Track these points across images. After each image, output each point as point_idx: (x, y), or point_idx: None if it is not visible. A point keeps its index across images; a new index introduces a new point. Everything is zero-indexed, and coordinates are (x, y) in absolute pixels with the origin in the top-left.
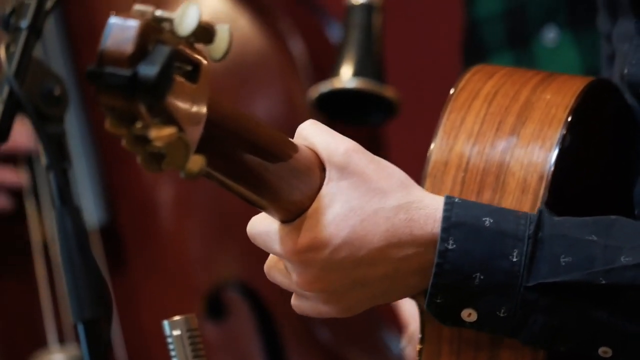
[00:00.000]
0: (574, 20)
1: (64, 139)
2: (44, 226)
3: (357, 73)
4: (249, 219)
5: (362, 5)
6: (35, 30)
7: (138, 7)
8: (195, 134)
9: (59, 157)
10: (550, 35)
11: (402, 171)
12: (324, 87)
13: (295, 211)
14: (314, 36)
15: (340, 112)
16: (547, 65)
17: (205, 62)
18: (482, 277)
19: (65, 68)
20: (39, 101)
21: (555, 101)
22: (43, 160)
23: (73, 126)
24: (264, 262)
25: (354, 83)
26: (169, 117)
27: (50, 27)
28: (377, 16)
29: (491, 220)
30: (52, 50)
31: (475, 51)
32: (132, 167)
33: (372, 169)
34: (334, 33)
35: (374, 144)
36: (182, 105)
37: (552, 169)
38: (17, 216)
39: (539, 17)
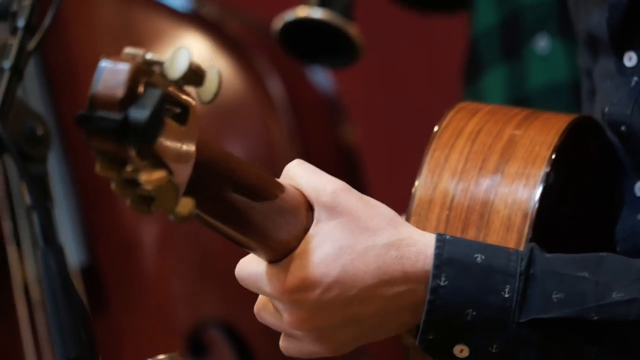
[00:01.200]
0: (565, 28)
1: (47, 178)
2: (24, 267)
3: (323, 4)
4: (230, 258)
5: None
6: (17, 71)
7: (129, 50)
8: (184, 175)
9: (42, 197)
10: (542, 43)
11: (390, 209)
12: (289, 16)
13: (282, 251)
14: (292, 75)
15: (303, 50)
16: (538, 74)
17: (194, 103)
18: (474, 313)
19: (45, 108)
20: (22, 141)
21: (538, 139)
22: (26, 200)
23: (52, 166)
24: (244, 301)
25: (319, 14)
26: (158, 160)
27: (29, 67)
28: None
29: (482, 257)
30: (31, 91)
31: (471, 67)
32: (113, 207)
33: (360, 208)
34: (312, 72)
35: (356, 184)
36: (171, 147)
37: (536, 206)
38: None
39: (532, 26)
